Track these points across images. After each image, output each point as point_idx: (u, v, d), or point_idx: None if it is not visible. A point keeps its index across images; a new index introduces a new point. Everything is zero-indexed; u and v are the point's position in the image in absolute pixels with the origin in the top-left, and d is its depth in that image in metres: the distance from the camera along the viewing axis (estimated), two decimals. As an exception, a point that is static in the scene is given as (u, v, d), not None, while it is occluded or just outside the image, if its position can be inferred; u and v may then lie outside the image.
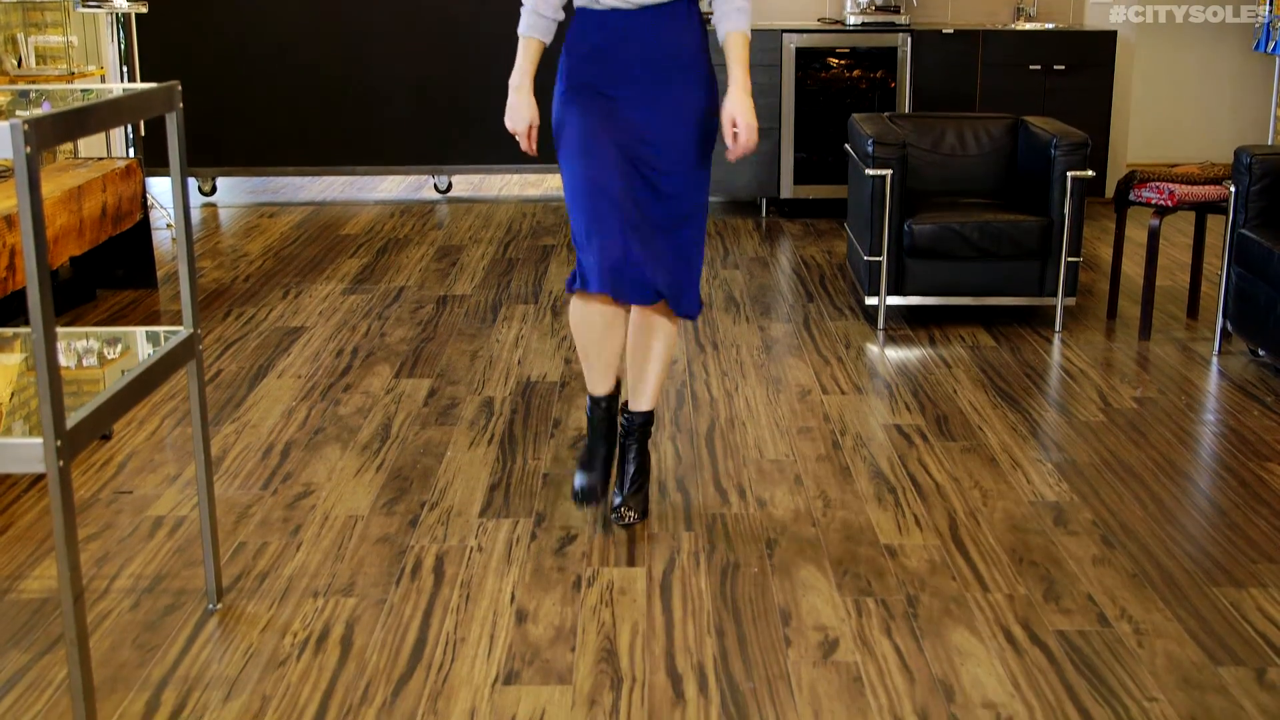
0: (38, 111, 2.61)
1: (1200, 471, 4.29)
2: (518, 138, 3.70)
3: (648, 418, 3.90)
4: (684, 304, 3.73)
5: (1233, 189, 5.27)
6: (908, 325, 5.86)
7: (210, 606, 3.35)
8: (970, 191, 6.23)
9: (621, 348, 3.84)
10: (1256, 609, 3.35)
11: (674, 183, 3.67)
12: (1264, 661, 3.10)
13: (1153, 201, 5.68)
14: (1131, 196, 5.80)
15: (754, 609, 3.35)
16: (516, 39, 3.67)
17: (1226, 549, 3.68)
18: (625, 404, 3.93)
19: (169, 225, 7.93)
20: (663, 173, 3.65)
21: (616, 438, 3.93)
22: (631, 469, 3.88)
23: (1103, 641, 3.19)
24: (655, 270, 3.60)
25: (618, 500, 3.83)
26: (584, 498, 3.84)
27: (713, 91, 3.73)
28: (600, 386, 3.87)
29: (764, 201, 8.50)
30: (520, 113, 3.67)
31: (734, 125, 3.60)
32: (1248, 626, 3.26)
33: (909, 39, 8.16)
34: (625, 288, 3.57)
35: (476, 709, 2.91)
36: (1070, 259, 5.72)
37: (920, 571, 3.55)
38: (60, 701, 2.93)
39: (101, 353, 3.24)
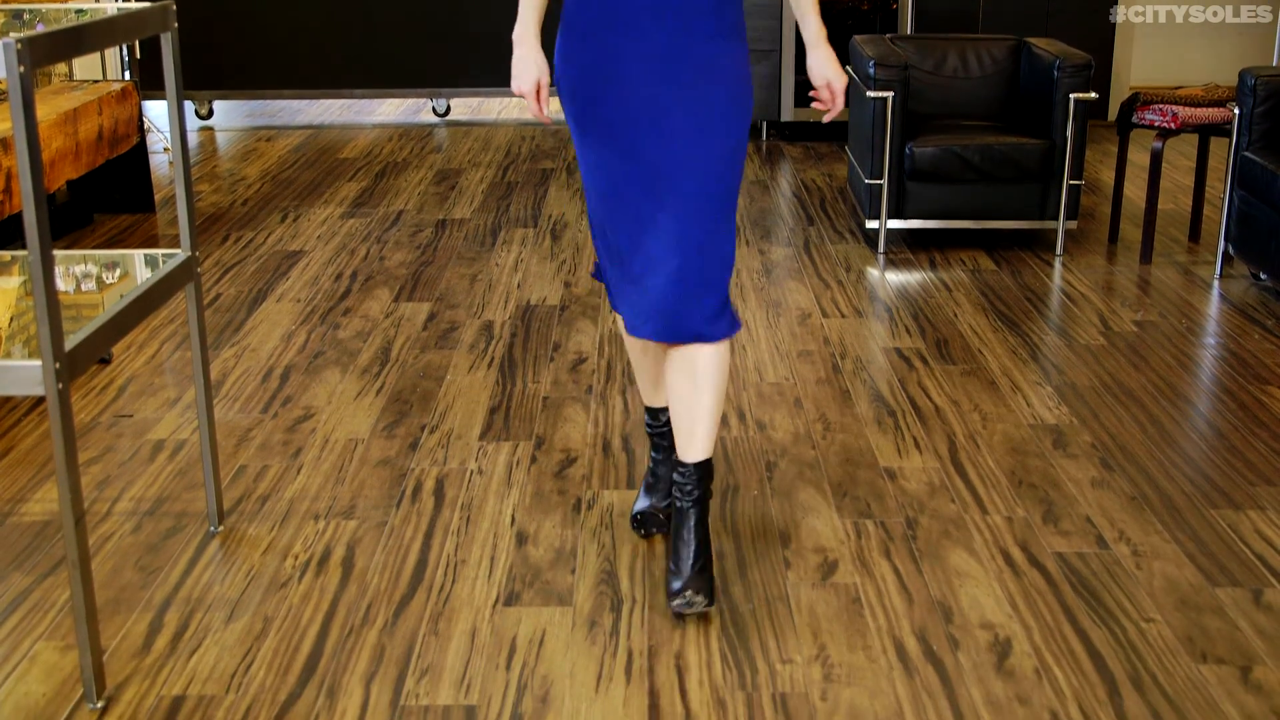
0: (32, 32, 2.59)
1: (1200, 395, 4.29)
2: (526, 102, 3.05)
3: (704, 470, 3.08)
4: (713, 322, 3.01)
5: (1236, 111, 5.23)
6: (908, 249, 5.84)
7: (211, 529, 3.36)
8: (972, 114, 6.19)
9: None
10: (1254, 531, 3.36)
11: (690, 159, 2.96)
12: (1261, 583, 3.11)
13: (1155, 124, 5.65)
14: (1134, 119, 5.77)
15: (754, 531, 3.36)
16: None
17: (1225, 472, 3.69)
18: (674, 457, 3.17)
19: (166, 149, 7.89)
20: (677, 150, 2.96)
21: (672, 455, 3.26)
22: (692, 544, 3.03)
23: (1101, 563, 3.20)
24: (684, 297, 2.97)
25: (676, 585, 2.98)
26: (643, 524, 3.32)
27: (743, 53, 3.02)
28: (655, 397, 3.32)
29: (764, 124, 8.45)
30: (524, 71, 3.00)
31: (828, 87, 3.05)
32: (1245, 548, 3.27)
33: (911, -41, 8.08)
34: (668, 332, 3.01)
35: (477, 630, 2.93)
36: (1072, 182, 5.70)
37: (919, 494, 3.56)
38: (63, 623, 2.94)
39: (100, 277, 3.23)
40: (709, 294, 2.98)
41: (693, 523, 3.05)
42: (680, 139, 2.95)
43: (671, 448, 3.27)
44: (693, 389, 3.01)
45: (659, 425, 3.34)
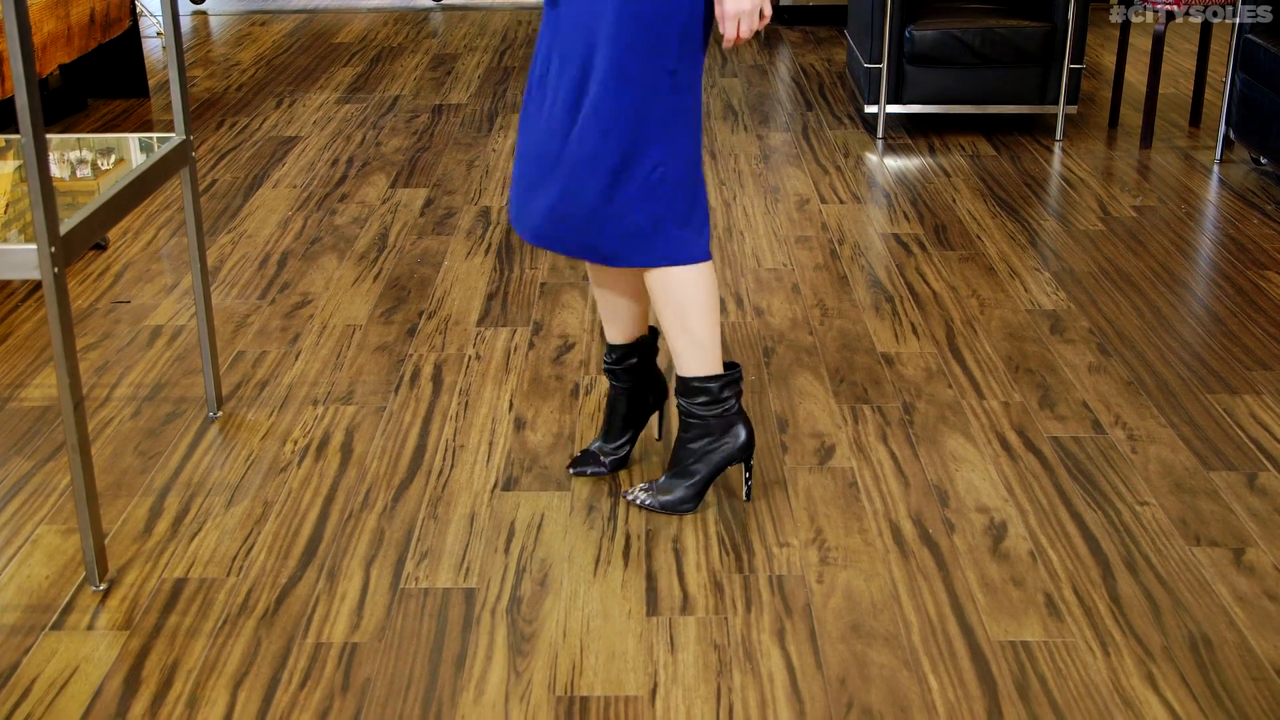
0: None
1: (1198, 280, 4.29)
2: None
3: (683, 385, 2.91)
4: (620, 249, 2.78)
5: (1241, -7, 5.18)
6: (907, 134, 5.80)
7: (210, 414, 3.37)
8: (973, -3, 6.13)
9: (623, 289, 3.00)
10: (1249, 415, 3.37)
11: (594, 69, 2.64)
12: (1255, 466, 3.13)
13: (1158, 6, 5.58)
14: (1137, 1, 5.71)
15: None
16: None
17: (1222, 356, 3.69)
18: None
19: (159, 34, 7.80)
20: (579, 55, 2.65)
21: (634, 398, 3.10)
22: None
23: (1096, 447, 3.22)
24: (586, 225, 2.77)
25: (690, 494, 2.95)
26: (580, 463, 3.11)
27: None
28: (611, 332, 3.06)
29: (763, 8, 8.35)
30: None
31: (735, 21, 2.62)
32: (1240, 432, 3.29)
33: None
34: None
35: (476, 514, 2.95)
36: (1073, 66, 5.65)
37: (917, 379, 3.57)
38: (65, 507, 2.96)
39: (94, 163, 3.21)
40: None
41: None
42: None
43: (635, 394, 3.10)
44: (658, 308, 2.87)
45: (611, 362, 3.07)
